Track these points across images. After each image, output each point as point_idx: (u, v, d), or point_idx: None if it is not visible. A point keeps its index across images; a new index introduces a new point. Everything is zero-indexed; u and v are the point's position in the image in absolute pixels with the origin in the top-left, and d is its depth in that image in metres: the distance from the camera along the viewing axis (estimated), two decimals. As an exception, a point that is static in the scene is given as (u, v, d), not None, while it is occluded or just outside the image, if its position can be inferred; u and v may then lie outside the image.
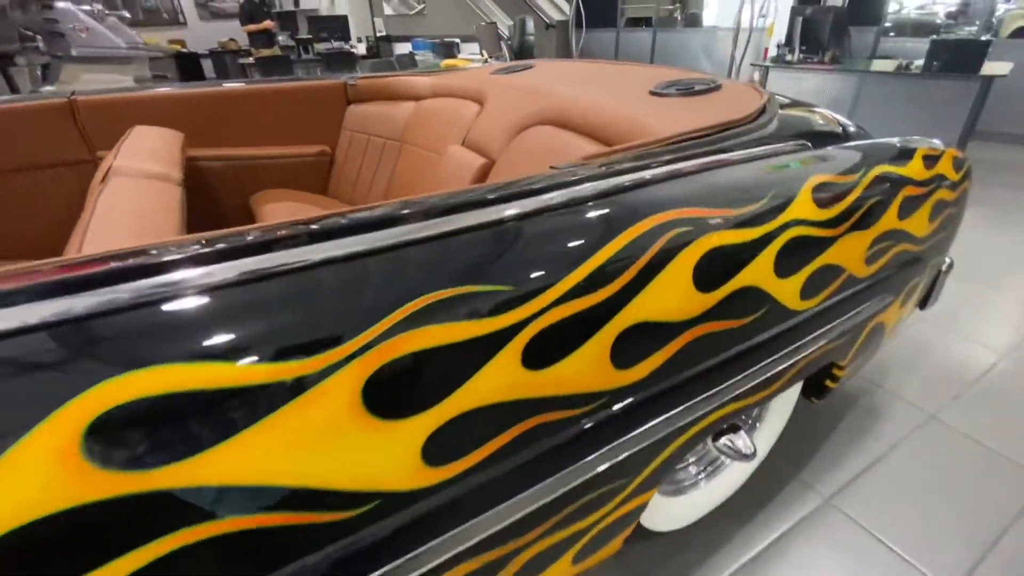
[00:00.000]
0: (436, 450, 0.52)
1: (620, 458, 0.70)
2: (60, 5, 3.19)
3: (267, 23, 6.50)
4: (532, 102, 1.27)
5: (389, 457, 0.49)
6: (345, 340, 0.45)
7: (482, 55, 4.61)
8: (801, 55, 3.90)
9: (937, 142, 1.23)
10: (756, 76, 4.11)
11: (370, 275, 0.49)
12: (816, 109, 1.21)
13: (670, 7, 7.56)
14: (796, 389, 1.17)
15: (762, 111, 0.96)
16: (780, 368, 0.89)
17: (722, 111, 0.96)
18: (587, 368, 0.61)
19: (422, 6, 6.38)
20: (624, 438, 0.69)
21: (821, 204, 0.83)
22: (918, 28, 5.71)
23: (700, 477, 1.10)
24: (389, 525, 0.51)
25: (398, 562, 0.53)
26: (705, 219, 0.69)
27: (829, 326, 0.95)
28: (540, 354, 0.56)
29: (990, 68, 3.34)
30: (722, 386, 0.80)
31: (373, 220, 0.52)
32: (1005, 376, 1.65)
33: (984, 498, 1.25)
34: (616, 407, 0.66)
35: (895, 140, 1.16)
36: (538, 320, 0.55)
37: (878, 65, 3.62)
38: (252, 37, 6.58)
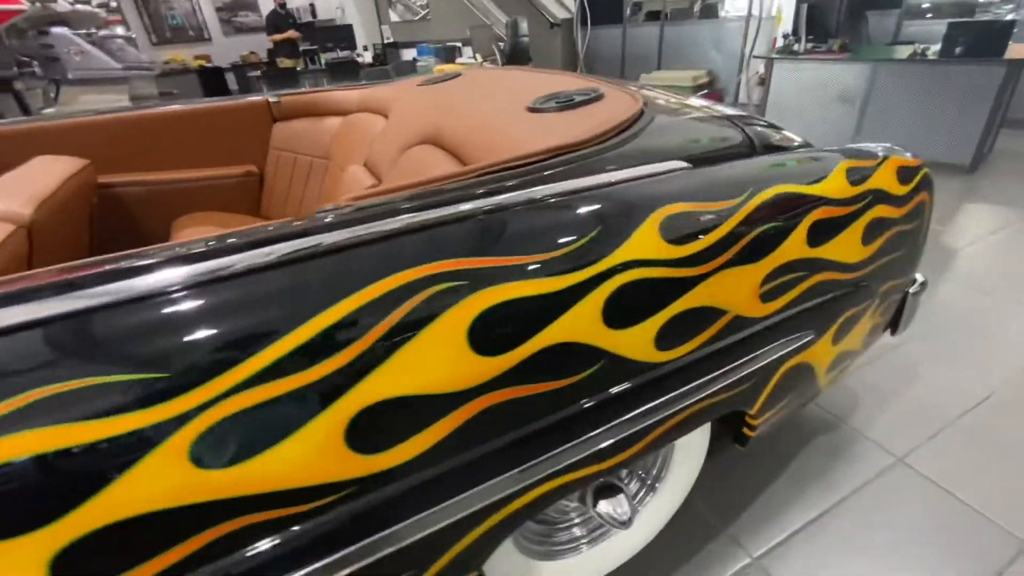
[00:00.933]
0: (69, 568, 0.43)
1: (380, 555, 0.59)
2: (56, 31, 3.30)
3: (291, 33, 6.62)
4: (422, 119, 1.17)
5: None
6: None
7: (476, 58, 4.52)
8: (809, 44, 3.62)
9: (880, 150, 1.05)
10: (761, 69, 3.85)
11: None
12: (736, 118, 1.05)
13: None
14: (703, 436, 1.02)
15: (624, 127, 0.82)
16: (639, 428, 0.75)
17: (588, 127, 0.84)
18: (305, 457, 0.51)
19: (426, 11, 6.35)
20: (386, 532, 0.58)
21: (674, 239, 0.70)
22: (960, 8, 5.25)
23: (583, 542, 0.97)
24: None
25: None
26: (484, 270, 0.58)
27: (713, 375, 0.81)
28: (219, 449, 0.47)
29: (1020, 51, 3.00)
30: (545, 457, 0.67)
31: None
32: (997, 412, 1.43)
33: (948, 567, 1.06)
34: (368, 498, 0.56)
35: (818, 151, 0.99)
36: (212, 410, 0.46)
37: (893, 53, 3.32)
38: (277, 47, 6.72)
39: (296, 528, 0.53)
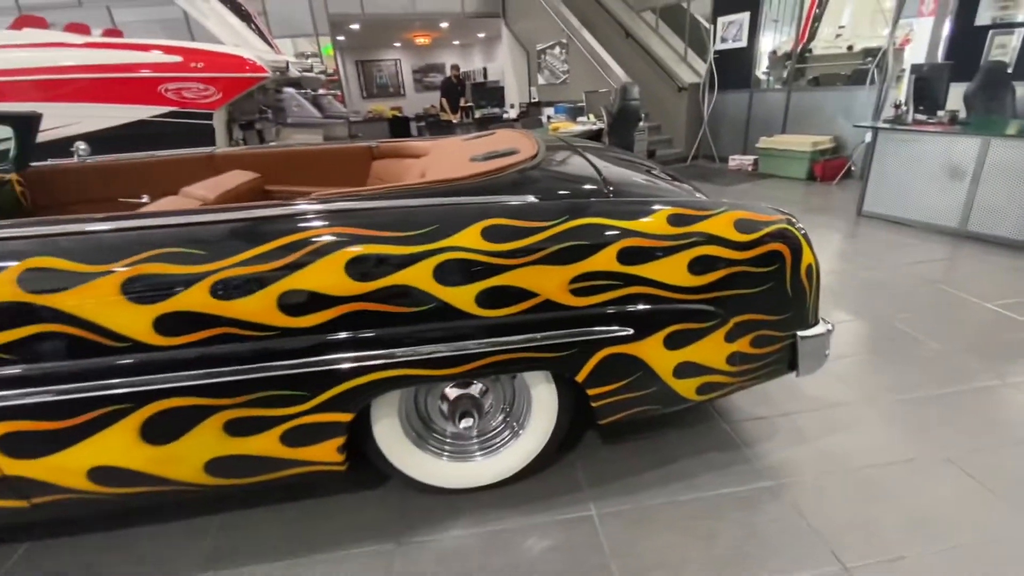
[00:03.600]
0: None
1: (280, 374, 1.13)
2: (288, 90, 4.80)
3: (463, 102, 8.05)
4: (428, 160, 1.76)
5: None
6: None
7: (589, 118, 5.11)
8: (920, 116, 3.45)
9: (725, 206, 1.32)
10: (867, 138, 3.73)
11: None
12: (606, 176, 1.41)
13: (860, 63, 7.04)
14: (551, 396, 1.37)
15: (499, 172, 1.29)
16: (465, 353, 1.18)
17: (477, 171, 1.32)
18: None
19: (566, 76, 7.20)
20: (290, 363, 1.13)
21: (491, 239, 1.15)
22: None
23: (476, 454, 1.43)
24: None
25: None
26: (363, 236, 1.11)
27: (525, 335, 1.20)
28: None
29: None
30: (394, 350, 1.16)
31: None
32: (903, 473, 1.45)
33: (787, 568, 1.23)
34: (281, 341, 1.11)
35: (656, 200, 1.31)
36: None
37: (1011, 127, 3.03)
38: (442, 107, 8.24)
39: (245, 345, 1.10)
